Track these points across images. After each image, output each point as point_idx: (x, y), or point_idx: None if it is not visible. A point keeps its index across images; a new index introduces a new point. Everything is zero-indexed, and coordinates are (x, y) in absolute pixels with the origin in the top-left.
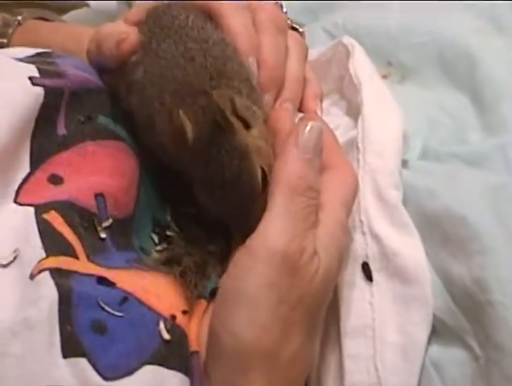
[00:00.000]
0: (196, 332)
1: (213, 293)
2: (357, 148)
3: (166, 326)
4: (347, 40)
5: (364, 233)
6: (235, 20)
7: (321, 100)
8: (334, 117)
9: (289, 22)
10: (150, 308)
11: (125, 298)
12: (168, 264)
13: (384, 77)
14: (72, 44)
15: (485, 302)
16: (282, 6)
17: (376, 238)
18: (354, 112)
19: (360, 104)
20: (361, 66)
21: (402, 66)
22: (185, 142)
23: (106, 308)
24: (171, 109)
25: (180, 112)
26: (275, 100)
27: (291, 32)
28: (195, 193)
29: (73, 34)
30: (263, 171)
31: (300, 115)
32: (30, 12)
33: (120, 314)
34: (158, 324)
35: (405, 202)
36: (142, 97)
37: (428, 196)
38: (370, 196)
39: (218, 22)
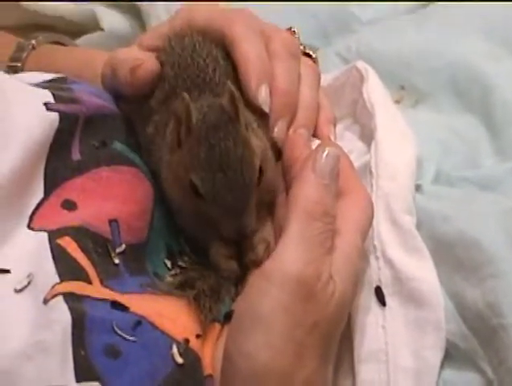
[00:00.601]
0: (211, 355)
1: (227, 317)
2: (371, 173)
3: (179, 350)
4: (361, 65)
5: (377, 258)
6: (248, 46)
7: (335, 126)
8: (347, 141)
9: (302, 47)
10: (163, 332)
11: (139, 322)
12: (182, 288)
13: (397, 102)
14: (86, 69)
15: (498, 326)
16: (295, 32)
17: (389, 263)
18: (367, 136)
19: (373, 129)
20: (375, 91)
21: (415, 90)
22: (190, 126)
23: (119, 332)
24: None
25: (185, 94)
26: (289, 126)
27: (304, 59)
28: (191, 182)
29: (87, 58)
30: (260, 167)
31: (315, 141)
32: (44, 36)
33: (133, 338)
34: (171, 348)
35: (418, 226)
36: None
37: (442, 220)
38: (383, 221)
39: (232, 47)
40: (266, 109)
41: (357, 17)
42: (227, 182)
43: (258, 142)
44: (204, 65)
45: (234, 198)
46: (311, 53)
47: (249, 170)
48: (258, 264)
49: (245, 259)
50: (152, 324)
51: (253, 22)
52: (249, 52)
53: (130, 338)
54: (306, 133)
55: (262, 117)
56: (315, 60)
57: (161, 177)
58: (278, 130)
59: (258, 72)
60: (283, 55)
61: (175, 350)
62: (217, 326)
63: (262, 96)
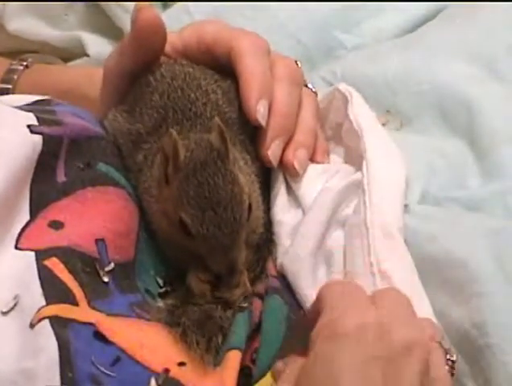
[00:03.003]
0: (233, 384)
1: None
2: (363, 191)
3: (157, 382)
4: (343, 87)
5: (373, 274)
6: (254, 61)
7: (328, 155)
8: (333, 163)
9: (304, 80)
10: (143, 365)
11: (118, 358)
12: (169, 324)
13: (382, 125)
14: (84, 80)
15: (484, 346)
16: (297, 63)
17: (386, 279)
18: (354, 158)
19: (363, 150)
20: (361, 112)
21: (401, 114)
22: (177, 164)
23: (99, 367)
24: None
25: (173, 131)
26: (284, 147)
27: (305, 89)
28: (180, 220)
29: (85, 71)
30: (249, 203)
31: (313, 165)
32: (36, 58)
33: (112, 373)
34: (149, 381)
35: (406, 245)
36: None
37: (428, 240)
38: (379, 237)
39: (236, 60)
40: (263, 124)
41: (342, 43)
42: (217, 220)
43: (245, 179)
44: (194, 98)
45: (224, 235)
46: (310, 86)
47: (239, 206)
48: (229, 305)
49: (219, 293)
50: (132, 357)
51: (261, 43)
52: (253, 67)
53: (109, 373)
54: (306, 154)
55: (247, 151)
56: (315, 94)
57: (147, 206)
58: (273, 149)
59: (260, 88)
60: (286, 80)
61: (153, 383)
62: (236, 353)
63: (261, 110)
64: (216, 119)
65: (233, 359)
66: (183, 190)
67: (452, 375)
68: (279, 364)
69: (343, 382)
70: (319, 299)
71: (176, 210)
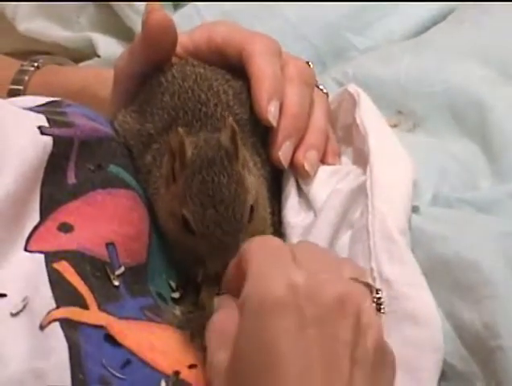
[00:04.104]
0: None
1: None
2: (366, 195)
3: (168, 384)
4: (353, 88)
5: (374, 279)
6: (265, 62)
7: (339, 157)
8: (343, 165)
9: (316, 81)
10: (153, 367)
11: (128, 361)
12: (181, 328)
13: (394, 126)
14: (94, 80)
15: (496, 348)
16: (309, 64)
17: (386, 283)
18: (362, 160)
19: (367, 153)
20: (368, 114)
21: (413, 115)
22: (184, 161)
23: (109, 369)
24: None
25: (180, 129)
26: (295, 148)
27: (317, 90)
28: (183, 217)
29: (95, 72)
30: (251, 206)
31: (323, 167)
32: (47, 59)
33: (122, 376)
34: (159, 384)
35: (416, 247)
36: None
37: (439, 242)
38: (379, 241)
39: (248, 61)
40: (274, 124)
41: (354, 44)
42: (218, 218)
43: (252, 181)
44: (205, 99)
45: (224, 234)
46: (322, 87)
47: (241, 207)
48: None
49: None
50: (142, 360)
51: (273, 44)
52: (264, 67)
53: (119, 375)
54: (316, 155)
55: (258, 153)
56: (326, 95)
57: (157, 208)
58: (284, 150)
59: (271, 88)
60: (297, 81)
61: (163, 385)
62: None
63: (272, 111)
64: (230, 119)
65: None
66: (188, 186)
67: (380, 311)
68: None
69: (279, 355)
70: (242, 260)
71: (180, 207)
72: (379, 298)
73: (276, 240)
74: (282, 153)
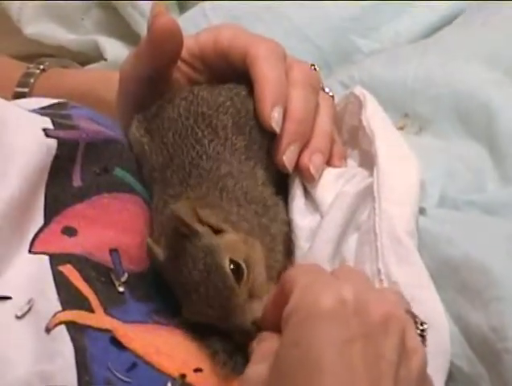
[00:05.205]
0: None
1: None
2: (373, 197)
3: None
4: (359, 91)
5: (381, 280)
6: (269, 67)
7: (345, 160)
8: (349, 167)
9: (320, 84)
10: (159, 370)
11: (134, 364)
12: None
13: (401, 129)
14: (100, 83)
15: (503, 350)
16: (315, 69)
17: (394, 284)
18: (369, 162)
19: (374, 155)
20: (374, 116)
21: (419, 117)
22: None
23: (114, 373)
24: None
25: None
26: (300, 152)
27: (322, 93)
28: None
29: (101, 74)
30: (236, 262)
31: (328, 169)
32: (53, 61)
33: (128, 379)
34: None
35: (423, 249)
36: None
37: (446, 243)
38: (387, 243)
39: (252, 65)
40: (278, 131)
41: (359, 47)
42: (203, 300)
43: (236, 238)
44: (201, 136)
45: (216, 310)
46: (327, 90)
47: (218, 278)
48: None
49: None
50: (148, 363)
51: (277, 48)
52: (269, 73)
53: (125, 378)
54: (322, 158)
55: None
56: (332, 97)
57: None
58: (288, 155)
59: (275, 94)
60: (301, 85)
61: None
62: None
63: (276, 117)
64: (172, 207)
65: None
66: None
67: (424, 344)
68: (253, 344)
69: (324, 365)
70: (286, 282)
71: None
72: (423, 330)
73: (317, 265)
74: (287, 157)
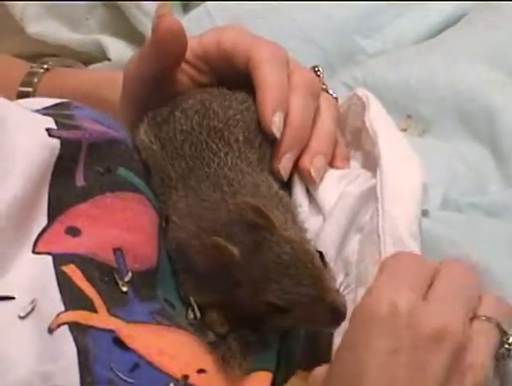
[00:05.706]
0: None
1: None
2: (376, 198)
3: None
4: (362, 92)
5: None
6: (272, 71)
7: (348, 161)
8: (352, 168)
9: (324, 86)
10: (162, 371)
11: (137, 365)
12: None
13: (404, 130)
14: (104, 83)
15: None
16: (319, 70)
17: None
18: (371, 163)
19: (377, 156)
20: (377, 118)
21: (422, 119)
22: (233, 263)
23: (117, 373)
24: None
25: (219, 239)
26: (302, 154)
27: (325, 94)
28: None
29: (105, 74)
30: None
31: (331, 170)
32: (57, 61)
33: (131, 380)
34: None
35: (425, 251)
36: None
37: (449, 246)
38: (390, 245)
39: (254, 69)
40: (278, 136)
41: (363, 48)
42: (295, 280)
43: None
44: (216, 149)
45: (309, 288)
46: (331, 92)
47: (308, 258)
48: None
49: None
50: (151, 364)
51: (280, 53)
52: (271, 78)
53: (128, 379)
54: (323, 161)
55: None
56: (336, 99)
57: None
58: (283, 163)
59: (277, 99)
60: (302, 91)
61: None
62: (266, 374)
63: (276, 122)
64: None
65: (262, 379)
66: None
67: (508, 357)
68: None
69: (366, 372)
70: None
71: (262, 295)
72: (510, 344)
73: (419, 259)
74: (282, 166)
